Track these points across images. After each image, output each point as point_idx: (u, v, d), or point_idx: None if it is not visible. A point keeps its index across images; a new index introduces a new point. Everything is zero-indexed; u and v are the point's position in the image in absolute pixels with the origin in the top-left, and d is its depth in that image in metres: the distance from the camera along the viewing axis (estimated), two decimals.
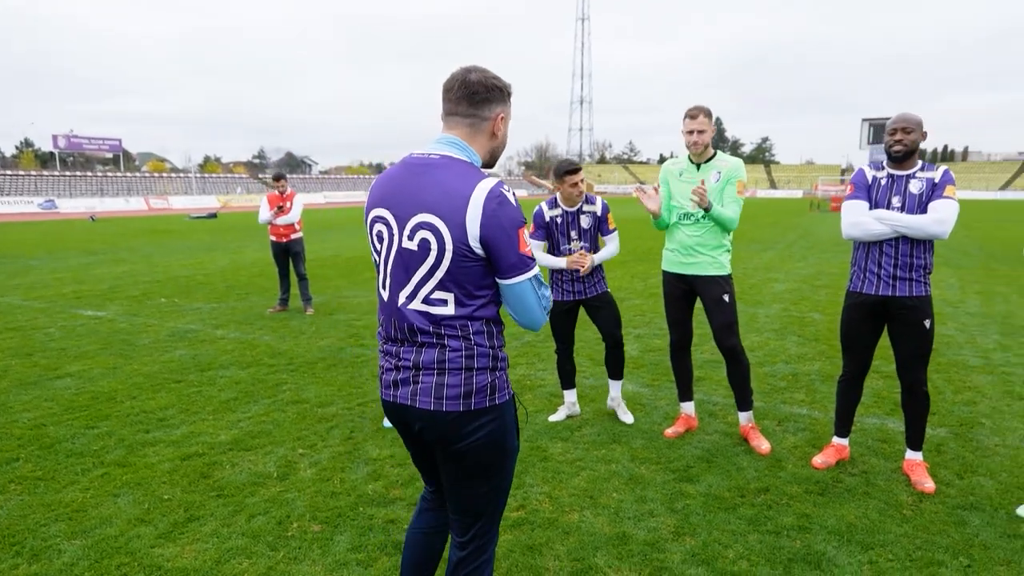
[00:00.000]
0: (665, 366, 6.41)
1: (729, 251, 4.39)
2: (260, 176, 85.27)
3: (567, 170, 4.52)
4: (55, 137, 71.61)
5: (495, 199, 1.94)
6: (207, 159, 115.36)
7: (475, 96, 2.04)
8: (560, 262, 4.60)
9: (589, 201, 4.64)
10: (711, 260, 4.32)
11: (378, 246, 2.11)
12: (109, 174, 68.85)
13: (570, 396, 5.05)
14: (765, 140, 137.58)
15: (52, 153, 78.77)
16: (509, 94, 2.13)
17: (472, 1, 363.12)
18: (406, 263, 2.01)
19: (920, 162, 3.78)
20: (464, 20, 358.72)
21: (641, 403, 5.39)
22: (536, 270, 2.04)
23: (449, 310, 1.99)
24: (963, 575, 3.04)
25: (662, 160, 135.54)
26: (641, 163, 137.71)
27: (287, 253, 9.34)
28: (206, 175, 78.97)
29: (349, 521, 3.56)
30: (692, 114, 4.21)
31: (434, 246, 1.96)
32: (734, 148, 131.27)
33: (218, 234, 24.65)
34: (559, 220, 4.65)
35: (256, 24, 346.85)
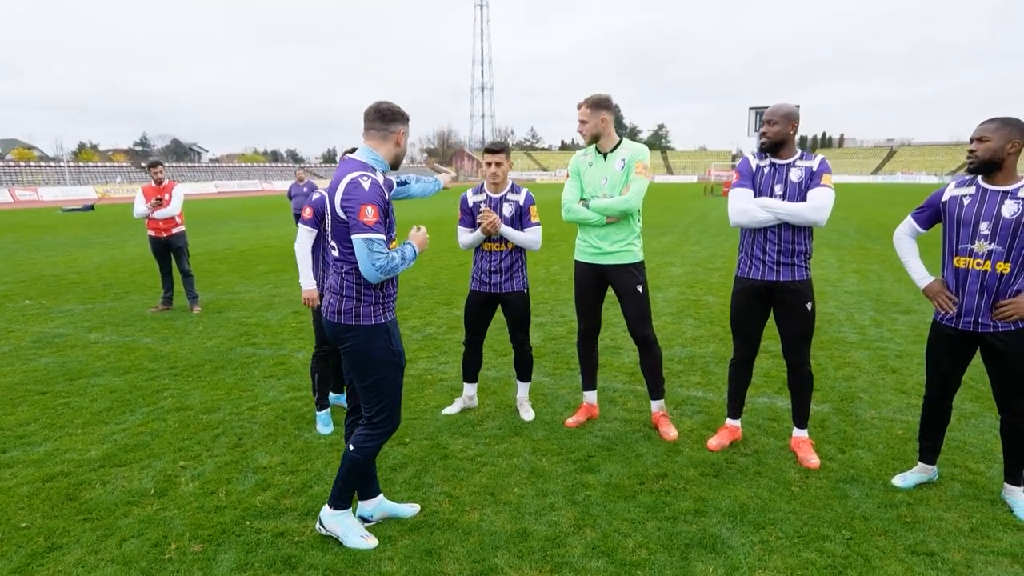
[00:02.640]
0: (567, 355, 6.44)
1: (639, 237, 4.44)
2: (143, 164, 79.94)
3: (486, 148, 4.54)
4: None
5: (352, 184, 2.97)
6: (82, 146, 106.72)
7: (384, 117, 3.11)
8: (477, 233, 4.59)
9: (514, 191, 4.64)
10: (622, 249, 4.35)
11: None
12: None
13: (469, 390, 4.98)
14: (661, 127, 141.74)
15: None
16: (407, 119, 3.19)
17: None
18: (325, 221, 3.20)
19: (799, 151, 3.90)
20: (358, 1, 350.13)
21: (542, 393, 5.37)
22: (371, 236, 2.92)
23: (336, 254, 3.08)
24: (846, 548, 3.17)
25: (564, 147, 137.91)
26: (543, 150, 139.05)
27: (168, 249, 8.72)
28: (81, 164, 73.12)
29: (234, 538, 3.32)
30: (577, 105, 4.31)
31: (325, 211, 3.14)
32: (631, 135, 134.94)
33: (95, 228, 22.85)
34: (482, 206, 4.61)
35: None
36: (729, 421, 4.34)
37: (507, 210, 4.59)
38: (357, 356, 3.10)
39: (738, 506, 3.54)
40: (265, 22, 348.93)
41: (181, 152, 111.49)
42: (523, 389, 4.94)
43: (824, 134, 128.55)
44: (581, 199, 4.42)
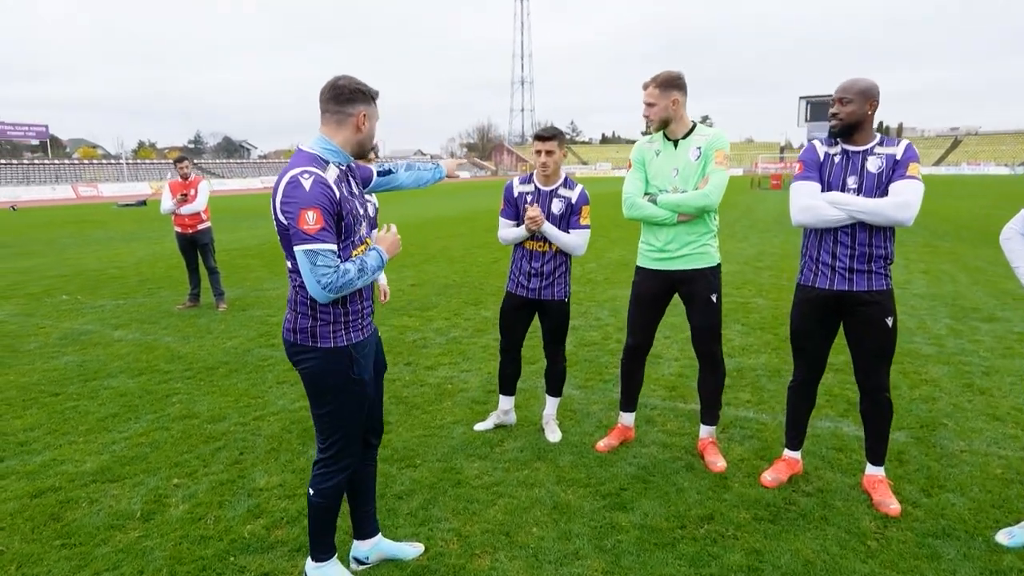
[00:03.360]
0: (601, 364, 5.87)
1: (716, 236, 3.85)
2: (196, 162, 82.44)
3: (536, 135, 4.05)
4: None
5: (291, 183, 2.43)
6: (141, 144, 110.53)
7: (340, 96, 2.55)
8: (520, 230, 4.12)
9: (568, 185, 4.11)
10: (697, 250, 3.77)
11: None
12: (36, 161, 65.68)
13: (505, 403, 4.48)
14: (706, 119, 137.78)
15: None
16: (373, 97, 2.62)
17: None
18: None
19: (878, 135, 3.27)
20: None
21: (571, 409, 4.83)
22: (314, 247, 2.40)
23: (289, 265, 2.61)
24: None
25: (604, 140, 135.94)
26: (584, 143, 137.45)
27: (194, 245, 8.52)
28: (139, 161, 75.85)
29: None
30: (644, 85, 3.74)
31: (272, 217, 2.56)
32: None
33: (144, 223, 23.23)
34: (529, 197, 4.13)
35: (178, 4, 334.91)
36: (787, 452, 3.73)
37: (556, 206, 4.06)
38: (312, 379, 2.68)
39: (801, 563, 2.94)
40: (316, 22, 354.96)
41: (232, 149, 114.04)
42: (552, 405, 4.42)
43: (881, 124, 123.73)
44: (646, 193, 3.84)
